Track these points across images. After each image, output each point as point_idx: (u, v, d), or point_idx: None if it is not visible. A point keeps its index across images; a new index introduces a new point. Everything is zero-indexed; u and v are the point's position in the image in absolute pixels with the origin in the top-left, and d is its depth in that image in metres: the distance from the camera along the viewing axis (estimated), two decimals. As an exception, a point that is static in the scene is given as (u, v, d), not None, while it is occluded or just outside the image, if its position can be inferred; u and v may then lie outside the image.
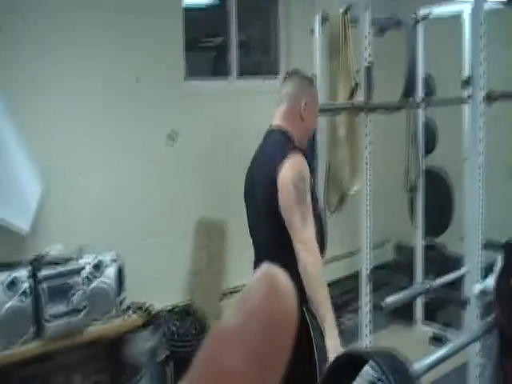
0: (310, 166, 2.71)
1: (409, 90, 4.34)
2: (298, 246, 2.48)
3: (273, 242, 2.69)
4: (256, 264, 2.78)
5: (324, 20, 4.28)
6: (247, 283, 0.32)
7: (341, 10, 4.16)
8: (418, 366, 1.62)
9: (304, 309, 2.50)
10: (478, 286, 1.94)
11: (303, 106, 2.80)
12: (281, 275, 0.31)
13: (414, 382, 1.49)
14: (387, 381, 1.40)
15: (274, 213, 2.58)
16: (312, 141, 4.29)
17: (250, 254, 4.82)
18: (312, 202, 2.57)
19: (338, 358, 1.52)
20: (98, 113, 4.25)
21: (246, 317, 0.30)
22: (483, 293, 1.89)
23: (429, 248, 4.91)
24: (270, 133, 2.86)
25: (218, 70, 5.46)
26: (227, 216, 4.81)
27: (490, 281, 1.90)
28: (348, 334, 4.25)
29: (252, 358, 0.29)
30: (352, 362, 1.57)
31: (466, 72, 4.14)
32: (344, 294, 5.56)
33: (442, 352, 1.67)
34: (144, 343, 3.94)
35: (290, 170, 2.57)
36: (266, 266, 0.32)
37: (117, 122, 4.34)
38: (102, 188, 4.27)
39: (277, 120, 2.87)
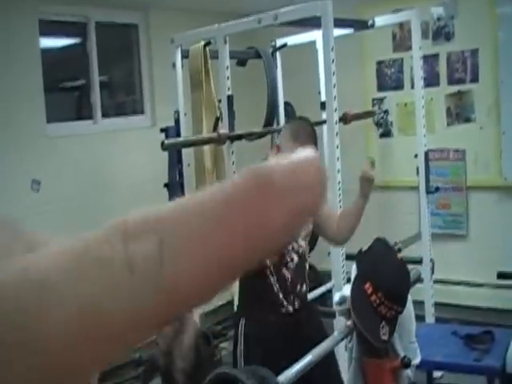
0: None
1: (271, 117, 4.49)
2: None
3: None
4: None
5: (185, 54, 4.37)
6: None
7: (201, 43, 4.27)
8: (287, 374, 1.69)
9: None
10: (337, 294, 2.06)
11: (275, 148, 3.05)
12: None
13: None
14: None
15: None
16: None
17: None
18: None
19: (212, 378, 1.57)
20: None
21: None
22: (342, 300, 2.01)
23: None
24: None
25: (82, 112, 5.40)
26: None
27: (347, 289, 2.02)
28: (227, 361, 4.32)
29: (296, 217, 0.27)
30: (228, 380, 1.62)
31: (322, 96, 4.36)
32: (220, 322, 5.64)
33: (307, 359, 1.76)
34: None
35: None
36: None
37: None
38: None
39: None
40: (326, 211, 3.04)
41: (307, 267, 3.09)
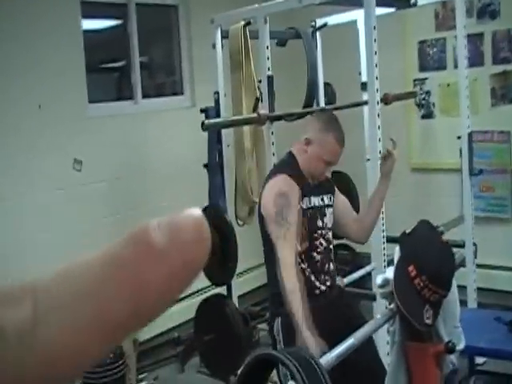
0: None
1: (311, 98, 4.44)
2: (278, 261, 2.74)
3: (265, 254, 3.03)
4: None
5: (225, 35, 4.35)
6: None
7: (241, 24, 4.23)
8: (328, 357, 1.67)
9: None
10: (379, 277, 2.03)
11: (304, 141, 2.98)
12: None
13: (324, 376, 1.53)
14: (299, 374, 1.45)
15: (261, 227, 2.95)
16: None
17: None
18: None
19: (255, 357, 1.55)
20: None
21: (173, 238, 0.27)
22: (385, 283, 1.98)
23: (339, 247, 5.00)
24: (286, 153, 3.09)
25: (123, 92, 5.44)
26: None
27: (390, 271, 1.99)
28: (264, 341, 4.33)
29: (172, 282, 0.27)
30: (268, 361, 1.61)
31: (363, 77, 4.29)
32: (258, 303, 5.64)
33: (349, 342, 1.73)
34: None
35: (269, 190, 2.87)
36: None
37: (19, 150, 4.26)
38: (7, 217, 4.18)
39: (293, 147, 3.07)
40: (345, 211, 3.16)
41: (333, 248, 3.14)
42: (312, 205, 2.97)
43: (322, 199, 3.03)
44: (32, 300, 0.26)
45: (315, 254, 2.96)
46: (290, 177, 2.90)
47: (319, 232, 2.98)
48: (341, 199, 3.18)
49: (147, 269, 0.26)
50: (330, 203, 3.07)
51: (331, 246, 3.09)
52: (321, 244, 2.98)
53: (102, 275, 0.26)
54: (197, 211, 0.28)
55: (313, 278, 2.95)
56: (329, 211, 3.04)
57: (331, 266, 3.05)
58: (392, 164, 3.10)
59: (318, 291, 2.96)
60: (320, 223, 2.99)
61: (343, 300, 3.10)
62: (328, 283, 3.00)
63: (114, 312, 0.26)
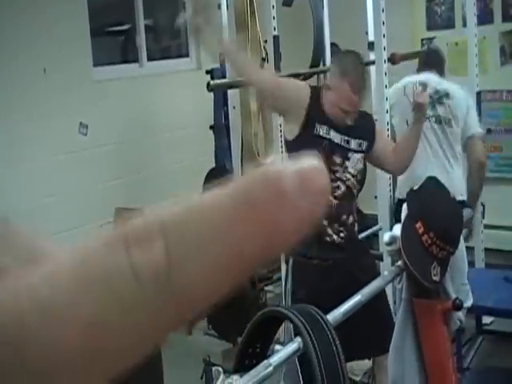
0: None
1: (317, 59, 4.40)
2: None
3: None
4: None
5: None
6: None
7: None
8: (336, 313, 1.67)
9: None
10: (386, 234, 2.02)
11: (328, 77, 3.01)
12: None
13: (331, 331, 1.53)
14: (305, 330, 1.45)
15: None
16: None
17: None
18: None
19: (262, 314, 1.56)
20: (4, 106, 4.14)
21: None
22: (393, 240, 1.97)
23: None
24: None
25: (128, 55, 5.41)
26: (146, 202, 4.82)
27: (398, 229, 1.97)
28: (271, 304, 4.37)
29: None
30: (274, 318, 1.61)
31: (370, 36, 4.24)
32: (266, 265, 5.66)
33: (356, 298, 1.73)
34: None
35: None
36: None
37: (25, 115, 4.24)
38: (13, 183, 4.19)
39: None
40: (381, 143, 3.02)
41: (355, 203, 3.04)
42: (330, 137, 2.84)
43: (348, 141, 2.89)
44: (163, 239, 0.26)
45: (330, 197, 2.78)
46: (310, 86, 2.95)
47: (337, 172, 2.84)
48: (378, 131, 3.08)
49: (279, 213, 0.26)
50: (359, 149, 2.92)
51: (352, 197, 2.96)
52: (338, 188, 2.84)
53: (234, 214, 0.26)
54: (319, 163, 0.28)
55: (325, 222, 2.81)
56: (354, 156, 2.90)
57: (350, 219, 2.93)
58: (424, 108, 3.04)
59: (328, 239, 2.85)
60: (338, 160, 2.85)
61: (361, 260, 2.98)
62: (342, 234, 2.88)
63: (246, 252, 0.26)
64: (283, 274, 3.05)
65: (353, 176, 2.90)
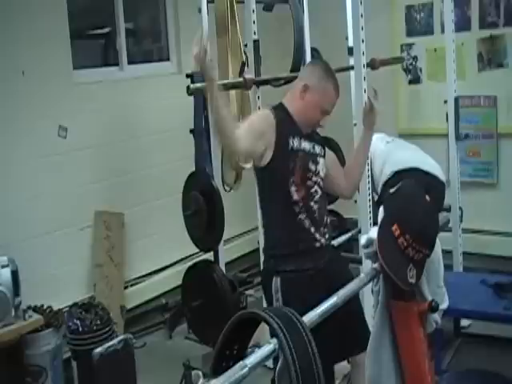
0: None
1: (298, 63, 4.41)
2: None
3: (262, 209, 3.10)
4: None
5: (210, -1, 4.30)
6: None
7: (227, -13, 4.18)
8: (311, 315, 1.67)
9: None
10: (363, 237, 2.03)
11: (301, 87, 2.93)
12: None
13: (306, 333, 1.54)
14: (281, 332, 1.45)
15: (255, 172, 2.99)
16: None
17: (147, 243, 4.83)
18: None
19: (239, 316, 1.56)
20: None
21: None
22: (369, 243, 1.98)
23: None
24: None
25: (108, 59, 5.39)
26: (126, 206, 4.85)
27: (374, 231, 1.99)
28: (252, 308, 4.36)
29: None
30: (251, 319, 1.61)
31: (350, 41, 4.26)
32: (245, 270, 5.68)
33: (332, 300, 1.73)
34: (45, 344, 3.89)
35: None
36: None
37: (3, 117, 4.20)
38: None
39: (285, 98, 3.04)
40: (335, 168, 3.12)
41: (326, 199, 3.08)
42: (302, 147, 2.89)
43: (314, 147, 2.97)
44: None
45: (312, 203, 2.89)
46: (271, 110, 2.92)
47: (313, 177, 2.91)
48: (330, 154, 3.13)
49: None
50: (322, 154, 3.02)
51: (326, 197, 3.03)
52: (316, 192, 2.91)
53: None
54: None
55: (312, 229, 2.89)
56: (321, 161, 2.98)
57: (328, 218, 3.02)
58: (374, 116, 3.07)
59: (318, 244, 2.91)
60: (313, 167, 2.92)
61: (338, 255, 3.10)
62: (327, 236, 2.97)
63: None
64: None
65: (321, 179, 2.98)
